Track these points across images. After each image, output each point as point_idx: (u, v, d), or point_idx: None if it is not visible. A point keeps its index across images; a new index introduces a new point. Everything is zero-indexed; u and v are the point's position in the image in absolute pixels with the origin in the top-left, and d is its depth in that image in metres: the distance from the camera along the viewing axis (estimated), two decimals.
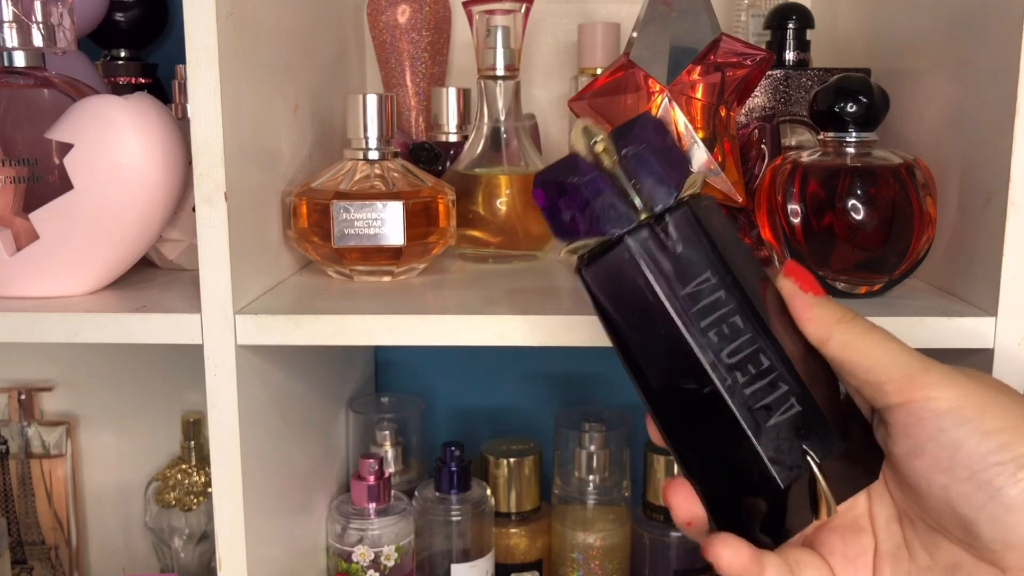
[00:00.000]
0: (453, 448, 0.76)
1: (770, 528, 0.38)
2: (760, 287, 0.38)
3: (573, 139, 0.39)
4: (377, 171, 0.61)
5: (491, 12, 0.64)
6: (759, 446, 0.36)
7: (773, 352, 0.37)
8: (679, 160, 0.39)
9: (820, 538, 0.41)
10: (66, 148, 0.54)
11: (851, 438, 0.37)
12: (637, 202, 0.38)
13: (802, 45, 0.70)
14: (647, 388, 0.38)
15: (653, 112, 0.57)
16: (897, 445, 0.37)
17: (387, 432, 0.82)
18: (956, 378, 0.36)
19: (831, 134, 0.54)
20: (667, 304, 0.37)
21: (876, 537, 0.40)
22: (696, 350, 0.36)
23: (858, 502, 0.40)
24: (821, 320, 0.38)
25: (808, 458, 0.36)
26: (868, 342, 0.37)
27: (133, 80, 0.80)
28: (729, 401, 0.36)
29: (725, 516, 0.38)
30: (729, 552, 0.37)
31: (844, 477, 0.38)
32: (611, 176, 0.38)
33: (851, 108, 0.53)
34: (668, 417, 0.38)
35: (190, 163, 0.51)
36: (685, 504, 0.38)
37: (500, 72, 0.65)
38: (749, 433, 0.36)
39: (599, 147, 0.38)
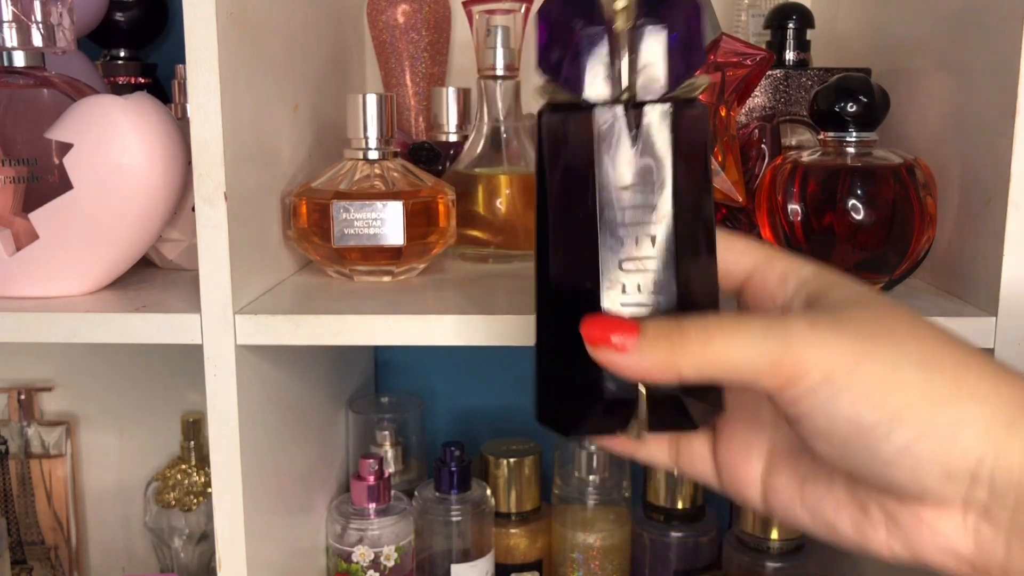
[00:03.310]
0: (453, 448, 0.76)
1: (574, 416, 0.36)
2: (696, 219, 0.36)
3: None
4: (377, 171, 0.61)
5: (491, 12, 0.64)
6: None
7: (667, 283, 0.35)
8: (693, 56, 0.36)
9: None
10: (66, 148, 0.54)
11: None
12: (624, 79, 0.35)
13: (802, 45, 0.70)
14: (543, 258, 0.37)
15: None
16: (782, 416, 0.35)
17: (387, 432, 0.82)
18: (823, 337, 0.33)
19: (831, 134, 0.54)
20: (596, 189, 0.35)
21: (774, 438, 0.38)
22: (598, 244, 0.35)
23: (762, 406, 0.38)
24: (658, 366, 0.33)
25: (639, 384, 0.35)
26: (715, 352, 0.33)
27: (133, 80, 0.80)
28: (602, 303, 0.35)
29: (545, 394, 0.37)
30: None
31: (674, 412, 0.35)
32: (615, 39, 0.35)
33: (851, 108, 0.53)
34: (547, 293, 0.37)
35: (190, 163, 0.51)
36: None
37: (500, 72, 0.65)
38: None
39: (619, 4, 0.35)
